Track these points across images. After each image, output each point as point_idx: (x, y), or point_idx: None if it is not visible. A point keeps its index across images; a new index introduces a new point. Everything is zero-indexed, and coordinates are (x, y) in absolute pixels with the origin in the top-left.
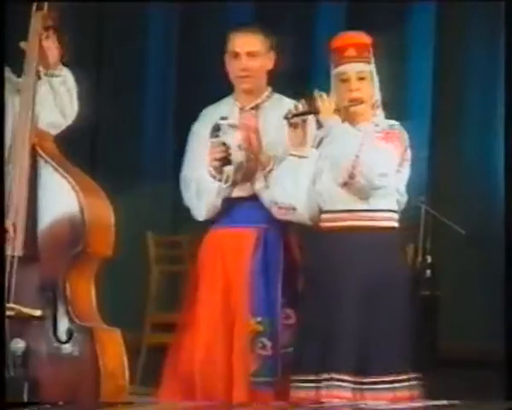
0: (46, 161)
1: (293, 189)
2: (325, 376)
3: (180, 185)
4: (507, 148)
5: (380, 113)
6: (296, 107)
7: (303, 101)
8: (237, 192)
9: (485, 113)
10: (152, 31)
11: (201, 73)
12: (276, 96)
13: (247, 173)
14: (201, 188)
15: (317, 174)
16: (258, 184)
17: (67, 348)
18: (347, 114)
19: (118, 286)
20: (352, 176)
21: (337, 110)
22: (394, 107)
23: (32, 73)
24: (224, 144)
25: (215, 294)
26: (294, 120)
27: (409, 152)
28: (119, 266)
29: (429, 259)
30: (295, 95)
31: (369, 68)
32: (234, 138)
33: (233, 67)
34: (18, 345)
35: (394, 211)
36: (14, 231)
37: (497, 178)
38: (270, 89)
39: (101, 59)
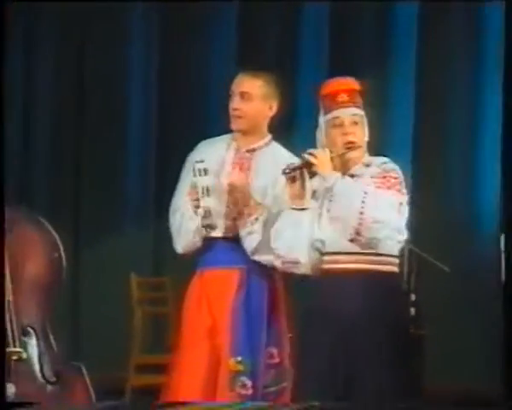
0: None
1: (296, 242)
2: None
3: (166, 229)
4: (504, 164)
5: (364, 150)
6: (293, 162)
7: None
8: (221, 233)
9: (469, 149)
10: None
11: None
12: (275, 144)
13: (227, 217)
14: (184, 221)
15: (317, 222)
16: (243, 230)
17: (57, 389)
18: (342, 161)
19: (101, 327)
20: (358, 233)
21: (332, 158)
22: (376, 146)
23: None
24: (195, 187)
25: (200, 335)
26: (292, 175)
27: (405, 190)
28: (103, 307)
29: (413, 297)
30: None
31: (360, 113)
32: (205, 183)
33: (229, 106)
34: (10, 390)
35: (395, 256)
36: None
37: (481, 216)
38: (270, 136)
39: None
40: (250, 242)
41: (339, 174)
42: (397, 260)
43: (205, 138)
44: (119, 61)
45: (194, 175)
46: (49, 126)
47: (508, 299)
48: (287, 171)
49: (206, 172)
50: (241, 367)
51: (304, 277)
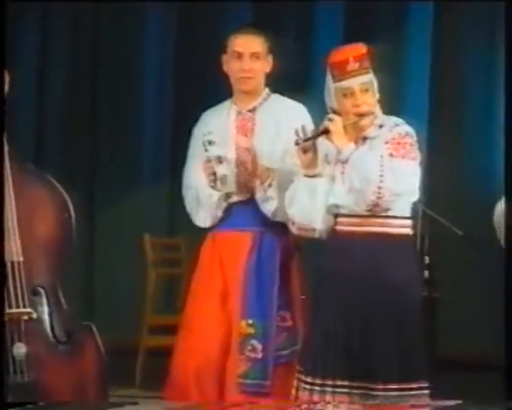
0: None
1: (311, 208)
2: (329, 382)
3: (180, 189)
4: (507, 147)
5: (379, 110)
6: (305, 131)
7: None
8: (234, 197)
9: (484, 114)
10: (149, 31)
11: (200, 74)
12: (274, 96)
13: (241, 184)
14: (201, 197)
15: (331, 187)
16: (259, 196)
17: (68, 348)
18: (355, 128)
19: (115, 289)
20: (376, 205)
21: (344, 125)
22: (391, 106)
23: None
24: (209, 161)
25: (213, 296)
26: (305, 145)
27: (419, 153)
28: (116, 267)
29: (427, 260)
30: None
31: (370, 78)
32: (216, 153)
33: (235, 68)
34: (20, 350)
35: (409, 218)
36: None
37: (495, 179)
38: (267, 90)
39: (98, 61)
40: (269, 206)
41: (353, 146)
42: (409, 222)
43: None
44: (134, 32)
45: (206, 149)
46: (64, 85)
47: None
48: (299, 142)
49: (214, 143)
50: (252, 330)
51: (318, 240)
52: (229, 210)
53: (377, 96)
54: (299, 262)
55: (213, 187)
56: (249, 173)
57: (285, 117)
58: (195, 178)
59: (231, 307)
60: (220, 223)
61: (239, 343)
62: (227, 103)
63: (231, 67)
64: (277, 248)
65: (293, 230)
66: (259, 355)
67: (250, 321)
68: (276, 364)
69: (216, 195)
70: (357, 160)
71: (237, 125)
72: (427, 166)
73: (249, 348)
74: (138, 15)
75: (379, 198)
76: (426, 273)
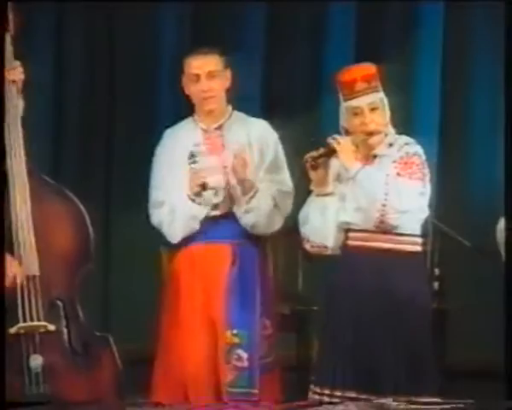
0: (46, 182)
1: (323, 227)
2: (338, 393)
3: (149, 204)
4: (507, 154)
5: (390, 128)
6: (315, 150)
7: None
8: (213, 211)
9: (491, 130)
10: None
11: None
12: (238, 113)
13: (226, 196)
14: (177, 210)
15: (341, 206)
16: (238, 209)
17: (85, 359)
18: (364, 146)
19: (131, 300)
20: (382, 222)
21: (354, 145)
22: (402, 125)
23: (14, 95)
24: (202, 171)
25: (195, 309)
26: (313, 163)
27: (427, 172)
28: (133, 280)
29: (437, 271)
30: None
31: (379, 96)
32: (210, 163)
33: (194, 90)
34: (36, 361)
35: (417, 235)
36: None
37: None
38: (230, 107)
39: (114, 75)
40: (248, 219)
41: (359, 164)
42: (419, 240)
43: None
44: (149, 39)
45: (194, 161)
46: (79, 99)
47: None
48: (309, 160)
49: (200, 156)
50: (237, 340)
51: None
52: (206, 223)
53: (388, 115)
54: (275, 271)
55: (194, 200)
56: (227, 188)
57: (254, 134)
58: (170, 194)
59: (215, 318)
60: (197, 236)
61: (225, 353)
62: (189, 121)
63: (191, 89)
64: (256, 258)
65: (308, 247)
66: (246, 364)
67: (235, 331)
68: (261, 372)
69: (195, 207)
70: (363, 178)
71: (206, 143)
72: (437, 181)
73: (235, 357)
74: (152, 19)
75: (383, 216)
76: (435, 285)
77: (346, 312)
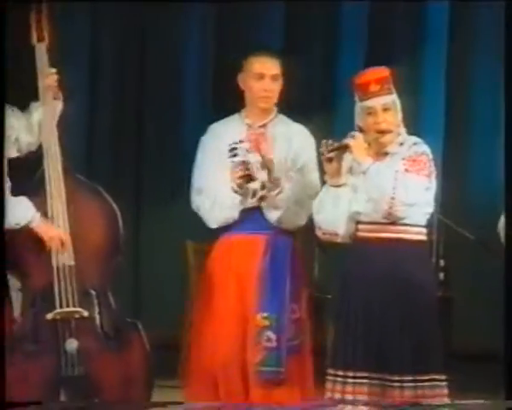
0: (80, 181)
1: (335, 215)
2: (350, 373)
3: (192, 190)
4: (507, 150)
5: (402, 128)
6: (330, 143)
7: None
8: (250, 203)
9: (493, 130)
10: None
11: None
12: (281, 116)
13: (261, 190)
14: (218, 200)
15: (353, 196)
16: (266, 204)
17: (116, 343)
18: (377, 144)
19: (160, 289)
20: (390, 213)
21: (367, 142)
22: (411, 125)
23: (50, 100)
24: (244, 163)
25: (229, 295)
26: (328, 155)
27: (434, 170)
28: (160, 271)
29: (442, 262)
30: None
31: (392, 98)
32: (254, 158)
33: (256, 88)
34: (72, 345)
35: (423, 226)
36: (63, 243)
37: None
38: (275, 109)
39: (144, 76)
40: (273, 214)
41: (370, 159)
42: (424, 230)
43: None
44: (177, 45)
45: (239, 154)
46: (111, 102)
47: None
48: (324, 152)
49: (242, 150)
50: (267, 322)
51: (341, 244)
52: (243, 215)
53: (400, 116)
54: (304, 260)
55: (236, 191)
56: (261, 183)
57: (294, 138)
58: (212, 184)
59: (247, 302)
60: (234, 227)
61: (255, 335)
62: (236, 117)
63: (252, 86)
64: (288, 248)
65: (320, 234)
66: (274, 345)
67: (265, 314)
68: (288, 353)
69: (235, 198)
70: (373, 172)
71: (250, 139)
72: (442, 179)
73: (265, 338)
74: (178, 21)
75: (391, 208)
76: (441, 275)
77: (357, 298)
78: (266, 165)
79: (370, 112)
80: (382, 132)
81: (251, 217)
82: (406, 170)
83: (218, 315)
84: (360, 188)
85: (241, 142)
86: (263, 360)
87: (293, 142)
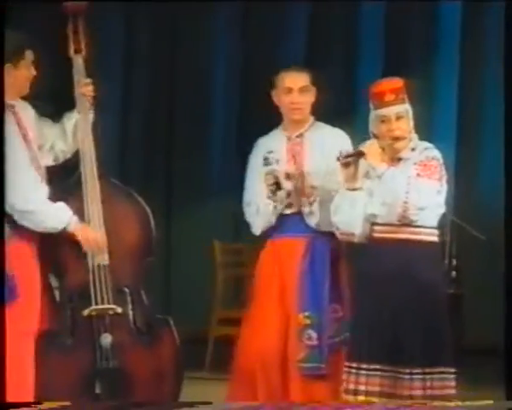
0: (114, 185)
1: (351, 217)
2: (364, 365)
3: (243, 203)
4: (507, 150)
5: (413, 134)
6: (346, 150)
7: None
8: (289, 209)
9: (502, 135)
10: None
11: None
12: (318, 123)
13: (296, 196)
14: (260, 208)
15: (369, 200)
16: (305, 210)
17: (149, 338)
18: (390, 149)
19: (189, 287)
20: (403, 216)
21: (381, 148)
22: (424, 132)
23: (86, 109)
24: (273, 172)
25: (272, 294)
26: (345, 161)
27: (444, 173)
28: (190, 270)
29: (455, 262)
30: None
31: (405, 107)
32: (281, 167)
33: (285, 101)
34: (106, 340)
35: (435, 228)
36: (99, 245)
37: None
38: (312, 118)
39: (174, 84)
40: (311, 220)
41: (385, 165)
42: (436, 231)
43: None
44: (206, 54)
45: (266, 164)
46: (143, 110)
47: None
48: (340, 158)
49: (274, 160)
50: (308, 321)
51: (358, 245)
52: (284, 220)
53: (412, 123)
54: (346, 262)
55: (270, 197)
56: (297, 190)
57: (329, 142)
58: (255, 194)
59: (289, 302)
60: (277, 231)
61: (297, 333)
62: (278, 130)
63: (282, 100)
64: (327, 250)
65: (337, 235)
66: (316, 343)
67: (306, 313)
68: (330, 350)
69: (272, 204)
70: (388, 177)
71: (288, 150)
72: (455, 182)
73: (306, 336)
74: (206, 23)
75: (405, 211)
76: (453, 274)
77: (371, 295)
78: (297, 174)
79: (384, 119)
80: (396, 139)
81: (292, 221)
82: (418, 174)
83: (263, 314)
84: (375, 191)
85: (271, 152)
86: (304, 357)
87: (328, 146)
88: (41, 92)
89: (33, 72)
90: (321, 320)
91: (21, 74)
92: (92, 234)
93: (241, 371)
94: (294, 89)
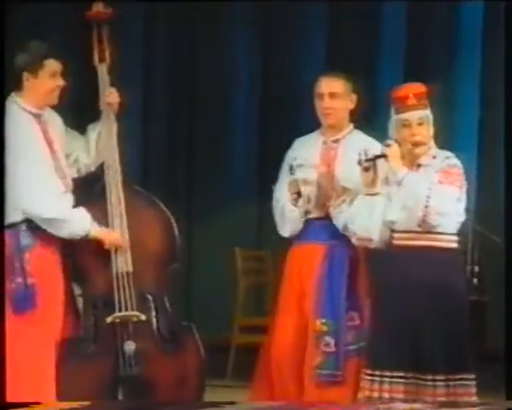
0: (138, 192)
1: (369, 223)
2: (387, 373)
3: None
4: (507, 150)
5: (432, 143)
6: (367, 153)
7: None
8: (311, 214)
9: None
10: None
11: (281, 111)
12: (356, 132)
13: (318, 201)
14: (285, 212)
15: (388, 205)
16: (333, 211)
17: (172, 345)
18: (410, 155)
19: (211, 294)
20: (424, 221)
21: (401, 151)
22: (445, 139)
23: (111, 118)
24: (295, 181)
25: (292, 300)
26: (366, 165)
27: (465, 182)
28: (211, 277)
29: (476, 268)
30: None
31: (426, 113)
32: (301, 175)
33: (318, 106)
34: (130, 347)
35: (454, 234)
36: (121, 251)
37: None
38: (351, 125)
39: (194, 91)
40: (340, 220)
41: (406, 170)
42: (456, 238)
43: (300, 130)
44: (225, 61)
45: (292, 172)
46: (164, 117)
47: None
48: (361, 162)
49: (300, 166)
50: (325, 328)
51: (378, 252)
52: (306, 225)
53: (432, 130)
54: (365, 270)
55: (294, 204)
56: (327, 194)
57: (362, 149)
58: (282, 195)
59: (308, 308)
60: (299, 236)
61: (314, 339)
62: (316, 133)
63: (316, 105)
64: (346, 258)
65: (354, 241)
66: (332, 349)
67: (323, 320)
68: (346, 357)
69: (296, 211)
70: (409, 181)
71: (322, 153)
72: (477, 189)
73: (323, 343)
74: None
75: (425, 216)
76: (475, 280)
77: (393, 302)
78: (327, 177)
79: (406, 124)
80: (416, 144)
81: (314, 228)
82: (440, 181)
83: (283, 320)
84: (395, 197)
85: (299, 158)
86: (321, 364)
87: (358, 156)
88: (67, 103)
89: (57, 82)
90: (338, 327)
91: (42, 84)
92: (114, 234)
93: (261, 376)
94: (325, 94)
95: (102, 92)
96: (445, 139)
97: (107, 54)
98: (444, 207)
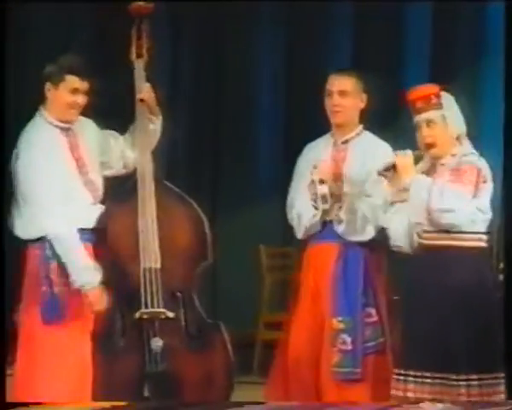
0: (169, 189)
1: (398, 229)
2: (411, 372)
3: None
4: (506, 150)
5: (455, 141)
6: (384, 164)
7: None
8: (330, 215)
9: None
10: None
11: (305, 109)
12: (366, 133)
13: (332, 202)
14: (302, 213)
15: (412, 209)
16: (332, 217)
17: (199, 343)
18: (427, 157)
19: (237, 291)
20: (430, 220)
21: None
22: (470, 135)
23: (144, 115)
24: (313, 182)
25: (308, 299)
26: (383, 174)
27: (483, 175)
28: (237, 273)
29: (502, 264)
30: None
31: (440, 113)
32: (326, 174)
33: (327, 104)
34: (157, 343)
35: (482, 233)
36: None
37: None
38: (361, 126)
39: (220, 88)
40: (337, 227)
41: (415, 176)
42: (483, 236)
43: (323, 129)
44: (251, 60)
45: (311, 172)
46: (190, 113)
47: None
48: (379, 172)
49: (315, 168)
50: (342, 326)
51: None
52: (324, 225)
53: (452, 130)
54: (383, 266)
55: (315, 206)
56: (334, 197)
57: (370, 152)
58: (298, 198)
59: (323, 306)
60: (316, 236)
61: (331, 338)
62: (327, 136)
63: (326, 103)
64: (361, 256)
65: (392, 247)
66: (350, 347)
67: (340, 318)
68: (364, 354)
69: (318, 214)
70: (413, 185)
71: (332, 155)
72: (502, 186)
73: (340, 341)
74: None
75: (429, 214)
76: (501, 277)
77: (420, 301)
78: (336, 180)
79: (418, 127)
80: (427, 146)
81: (328, 227)
82: (449, 179)
83: (300, 318)
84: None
85: (323, 156)
86: (338, 362)
87: (369, 158)
88: (104, 106)
89: (77, 99)
90: (355, 325)
91: (61, 97)
92: (104, 301)
93: (276, 374)
94: (335, 91)
95: (138, 89)
96: (469, 136)
97: (144, 50)
98: (447, 204)
